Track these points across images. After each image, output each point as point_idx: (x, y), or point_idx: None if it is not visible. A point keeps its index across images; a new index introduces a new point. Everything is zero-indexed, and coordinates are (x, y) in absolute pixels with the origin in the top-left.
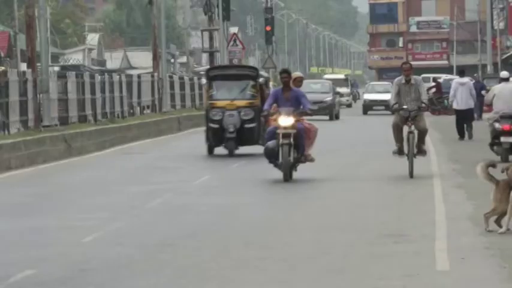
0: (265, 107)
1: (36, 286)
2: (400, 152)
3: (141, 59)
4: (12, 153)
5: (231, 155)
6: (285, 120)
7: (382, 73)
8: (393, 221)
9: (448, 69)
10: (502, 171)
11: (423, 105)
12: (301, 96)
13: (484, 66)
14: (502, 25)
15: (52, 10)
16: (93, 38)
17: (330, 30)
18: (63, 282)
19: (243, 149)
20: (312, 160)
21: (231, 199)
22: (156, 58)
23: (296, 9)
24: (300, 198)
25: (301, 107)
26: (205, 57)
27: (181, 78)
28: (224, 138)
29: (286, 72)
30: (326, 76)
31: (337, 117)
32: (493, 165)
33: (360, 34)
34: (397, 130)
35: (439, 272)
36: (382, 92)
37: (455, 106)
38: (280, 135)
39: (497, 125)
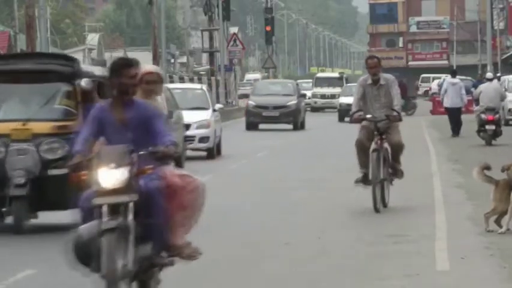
0: (77, 146)
1: (36, 286)
2: (365, 180)
3: (141, 59)
4: None
5: (18, 231)
6: (108, 176)
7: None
8: (393, 221)
9: (448, 70)
10: (503, 171)
11: (395, 113)
12: (153, 118)
13: (484, 66)
14: (502, 25)
15: (52, 10)
16: (93, 38)
17: (330, 30)
18: (63, 282)
19: None
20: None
21: (231, 199)
22: (156, 58)
23: (296, 9)
24: (300, 198)
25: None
26: (205, 57)
27: (181, 78)
28: (5, 198)
29: (126, 66)
30: (318, 75)
31: (302, 126)
32: (488, 168)
33: (360, 34)
34: (362, 149)
35: (439, 272)
36: None
37: (445, 104)
38: (102, 210)
39: (483, 115)
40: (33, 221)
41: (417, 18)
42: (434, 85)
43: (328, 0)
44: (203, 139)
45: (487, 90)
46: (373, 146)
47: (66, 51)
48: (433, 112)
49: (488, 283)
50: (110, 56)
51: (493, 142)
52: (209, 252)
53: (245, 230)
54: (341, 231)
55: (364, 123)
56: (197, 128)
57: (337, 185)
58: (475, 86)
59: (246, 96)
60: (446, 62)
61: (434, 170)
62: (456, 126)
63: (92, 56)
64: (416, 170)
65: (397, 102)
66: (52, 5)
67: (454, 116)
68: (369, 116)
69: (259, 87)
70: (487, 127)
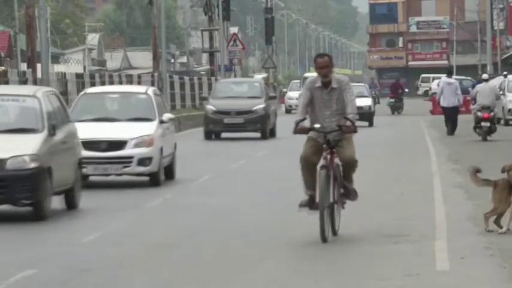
0: None
1: (36, 286)
2: (311, 203)
3: (141, 59)
4: None
5: None
6: None
7: (382, 73)
8: (393, 221)
9: (448, 70)
10: (503, 171)
11: (348, 123)
12: None
13: (484, 66)
14: (502, 25)
15: (52, 10)
16: (93, 38)
17: (330, 30)
18: (63, 282)
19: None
20: None
21: (231, 199)
22: (156, 58)
23: (296, 9)
24: (299, 198)
25: None
26: (205, 57)
27: (181, 78)
28: None
29: None
30: (306, 75)
31: (272, 134)
32: (478, 171)
33: (360, 34)
34: (308, 167)
35: (439, 272)
36: (356, 95)
37: (442, 104)
38: None
39: (479, 113)
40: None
41: (417, 18)
42: (434, 85)
43: (328, 0)
44: (143, 161)
45: (483, 90)
46: (321, 162)
47: (66, 51)
48: (433, 112)
49: (488, 283)
50: (110, 56)
51: (488, 138)
52: (209, 252)
53: (245, 230)
54: (341, 231)
55: (311, 134)
56: (135, 146)
57: None
58: (474, 86)
59: None
60: (446, 62)
61: (434, 170)
62: (452, 125)
63: (92, 56)
64: (416, 170)
65: (352, 109)
66: (52, 5)
67: (450, 115)
68: (317, 125)
69: (219, 88)
70: (483, 124)
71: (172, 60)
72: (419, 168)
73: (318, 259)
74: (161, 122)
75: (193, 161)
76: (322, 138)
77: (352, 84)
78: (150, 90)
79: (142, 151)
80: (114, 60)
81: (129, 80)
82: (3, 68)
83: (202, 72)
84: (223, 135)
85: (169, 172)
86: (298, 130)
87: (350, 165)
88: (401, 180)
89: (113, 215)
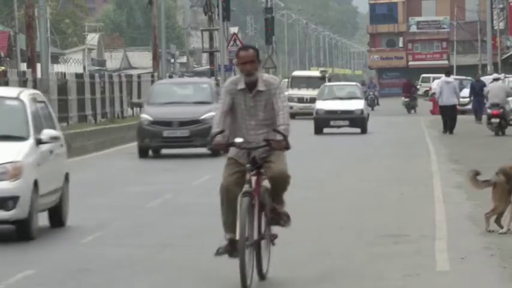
0: None
1: (36, 286)
2: (232, 249)
3: (141, 59)
4: None
5: None
6: None
7: (382, 73)
8: (393, 221)
9: (446, 69)
10: (497, 174)
11: (279, 137)
12: None
13: (484, 66)
14: (502, 25)
15: (52, 10)
16: (93, 38)
17: (330, 30)
18: (63, 282)
19: None
20: None
21: None
22: (156, 58)
23: (296, 9)
24: (299, 198)
25: None
26: (205, 57)
27: (181, 77)
28: None
29: None
30: (295, 74)
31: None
32: (478, 174)
33: (360, 34)
34: (228, 201)
35: (439, 272)
36: (345, 97)
37: (440, 103)
38: None
39: (489, 110)
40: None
41: (417, 18)
42: (434, 85)
43: (328, 0)
44: (3, 202)
45: (493, 88)
46: (245, 187)
47: (66, 51)
48: (433, 112)
49: (488, 283)
50: (110, 56)
51: (500, 134)
52: (209, 252)
53: None
54: (341, 231)
55: (231, 152)
56: None
57: (337, 184)
58: (473, 87)
59: None
60: (446, 62)
61: (434, 170)
62: (450, 124)
63: (91, 56)
64: (416, 170)
65: (284, 119)
66: (52, 5)
67: (448, 113)
68: (238, 140)
69: (158, 91)
70: (493, 120)
71: (172, 60)
72: (419, 168)
73: (318, 259)
74: (38, 142)
75: (193, 161)
76: (245, 156)
77: (342, 83)
78: (25, 95)
79: (2, 187)
80: (114, 60)
81: (129, 80)
82: (3, 68)
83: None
84: (164, 151)
85: (55, 217)
86: (214, 146)
87: (280, 182)
88: (402, 180)
89: (113, 215)
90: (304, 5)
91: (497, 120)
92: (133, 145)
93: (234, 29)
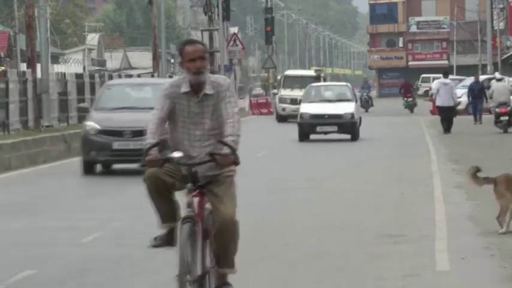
0: None
1: (36, 286)
2: (170, 239)
3: (141, 59)
4: (12, 153)
5: None
6: None
7: (382, 73)
8: (393, 221)
9: (448, 70)
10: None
11: (225, 150)
12: None
13: (484, 66)
14: (502, 25)
15: (52, 10)
16: (93, 38)
17: (330, 30)
18: (63, 282)
19: None
20: None
21: None
22: (156, 58)
23: (296, 9)
24: (299, 198)
25: None
26: None
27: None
28: None
29: None
30: (287, 73)
31: None
32: (478, 170)
33: (360, 34)
34: (155, 188)
35: (439, 272)
36: (333, 100)
37: (438, 103)
38: None
39: (497, 109)
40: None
41: (417, 18)
42: (434, 85)
43: (328, 0)
44: None
45: (497, 88)
46: (186, 211)
47: (66, 51)
48: (433, 112)
49: (488, 283)
50: (110, 56)
51: (509, 131)
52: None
53: (244, 230)
54: (341, 231)
55: (168, 167)
56: None
57: (337, 185)
58: (472, 88)
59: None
60: (446, 62)
61: (434, 170)
62: (447, 124)
63: (91, 56)
64: (416, 170)
65: (233, 129)
66: (52, 5)
67: (445, 114)
68: (177, 154)
69: (108, 94)
70: (502, 118)
71: (172, 60)
72: (419, 168)
73: (318, 259)
74: None
75: None
76: (187, 173)
77: (331, 83)
78: None
79: None
80: (114, 60)
81: None
82: (3, 68)
83: None
84: (116, 166)
85: None
86: (148, 163)
87: (226, 232)
88: (402, 180)
89: (113, 215)
90: (304, 5)
91: (506, 117)
92: None
93: (234, 29)
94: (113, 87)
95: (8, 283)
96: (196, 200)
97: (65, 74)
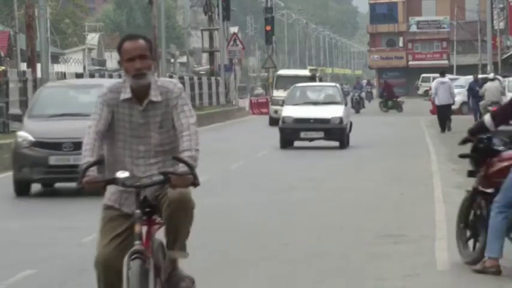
0: None
1: (36, 286)
2: None
3: None
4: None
5: None
6: None
7: (382, 73)
8: (393, 221)
9: (448, 69)
10: None
11: (181, 168)
12: None
13: (484, 66)
14: (502, 25)
15: (52, 10)
16: (93, 38)
17: (330, 30)
18: (63, 282)
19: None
20: None
21: (231, 199)
22: (156, 58)
23: (296, 9)
24: (299, 198)
25: None
26: (205, 57)
27: (181, 78)
28: None
29: None
30: (280, 73)
31: None
32: None
33: (360, 34)
34: (106, 278)
35: (439, 272)
36: (320, 102)
37: (436, 102)
38: None
39: (489, 108)
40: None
41: (417, 18)
42: (433, 85)
43: (328, 0)
44: None
45: (490, 88)
46: (135, 244)
47: (66, 51)
48: (433, 112)
49: (488, 283)
50: (110, 56)
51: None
52: (208, 252)
53: (244, 230)
54: (341, 231)
55: (109, 196)
56: None
57: (337, 184)
58: (471, 88)
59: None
60: (446, 61)
61: (434, 170)
62: (445, 122)
63: (91, 56)
64: (416, 170)
65: (189, 143)
66: (52, 5)
67: (444, 113)
68: (121, 174)
69: (43, 98)
70: None
71: (172, 60)
72: (419, 168)
73: (318, 259)
74: None
75: None
76: (132, 199)
77: (318, 84)
78: None
79: None
80: (114, 60)
81: None
82: (3, 67)
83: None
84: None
85: None
86: (86, 184)
87: (180, 208)
88: (402, 180)
89: None
90: (304, 5)
91: None
92: None
93: (234, 29)
94: (51, 90)
95: (8, 283)
96: (144, 230)
97: (65, 73)
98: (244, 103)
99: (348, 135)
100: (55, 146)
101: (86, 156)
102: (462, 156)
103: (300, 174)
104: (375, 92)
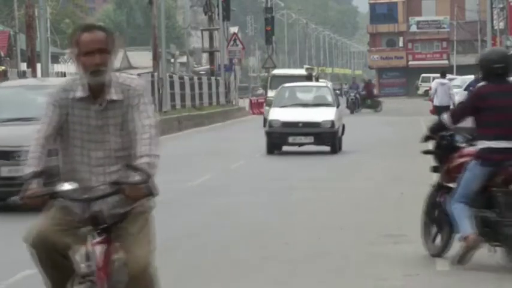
0: None
1: (36, 286)
2: None
3: (141, 59)
4: None
5: None
6: None
7: (382, 73)
8: (393, 221)
9: (448, 69)
10: None
11: (137, 177)
12: None
13: None
14: (502, 25)
15: (52, 10)
16: None
17: (330, 30)
18: None
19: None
20: None
21: (231, 199)
22: (156, 58)
23: (296, 9)
24: (299, 198)
25: None
26: (205, 57)
27: (181, 78)
28: None
29: None
30: (275, 72)
31: None
32: None
33: (360, 34)
34: (44, 254)
35: (439, 272)
36: (309, 104)
37: (435, 103)
38: None
39: None
40: None
41: (417, 18)
42: (433, 85)
43: (328, 0)
44: None
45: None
46: (82, 268)
47: (66, 51)
48: (432, 112)
49: (488, 283)
50: None
51: None
52: (209, 252)
53: (245, 230)
54: (341, 231)
55: (54, 209)
56: None
57: (337, 184)
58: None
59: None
60: (446, 61)
61: None
62: None
63: None
64: (416, 170)
65: (149, 147)
66: (52, 5)
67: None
68: (68, 186)
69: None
70: None
71: (172, 60)
72: (419, 168)
73: (318, 259)
74: None
75: (193, 160)
76: (83, 212)
77: (308, 84)
78: None
79: None
80: (114, 60)
81: None
82: (3, 67)
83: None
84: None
85: None
86: (26, 199)
87: (137, 285)
88: (401, 180)
89: None
90: (304, 5)
91: None
92: None
93: (234, 29)
94: (5, 91)
95: (8, 283)
96: (99, 249)
97: (65, 73)
98: (244, 103)
99: (340, 138)
100: (7, 155)
101: (30, 166)
102: (426, 152)
103: (300, 174)
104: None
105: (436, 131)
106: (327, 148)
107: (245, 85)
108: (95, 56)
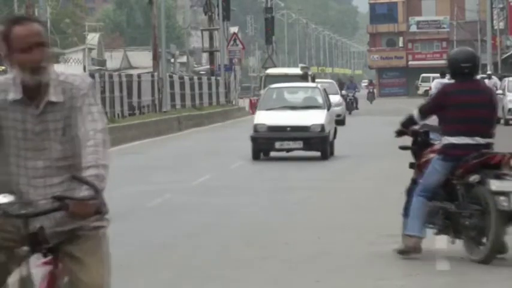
0: None
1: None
2: None
3: (141, 59)
4: None
5: None
6: None
7: (382, 73)
8: (393, 221)
9: (441, 70)
10: None
11: (85, 191)
12: None
13: (484, 66)
14: (502, 25)
15: (52, 10)
16: (93, 38)
17: (330, 30)
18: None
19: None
20: None
21: (231, 199)
22: (156, 58)
23: (296, 9)
24: (299, 198)
25: None
26: (205, 57)
27: (181, 78)
28: None
29: None
30: (269, 72)
31: None
32: None
33: (360, 34)
34: None
35: (439, 272)
36: (298, 107)
37: None
38: None
39: None
40: None
41: (417, 18)
42: (433, 85)
43: (328, 0)
44: None
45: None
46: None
47: (66, 51)
48: None
49: (488, 283)
50: (110, 56)
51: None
52: (209, 252)
53: (245, 230)
54: (341, 231)
55: None
56: None
57: (337, 184)
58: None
59: None
60: (446, 61)
61: None
62: None
63: (92, 56)
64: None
65: (97, 156)
66: (52, 5)
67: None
68: (3, 199)
69: None
70: None
71: (172, 60)
72: None
73: (318, 259)
74: None
75: (193, 160)
76: (21, 229)
77: (296, 84)
78: None
79: None
80: (114, 60)
81: (129, 80)
82: (3, 67)
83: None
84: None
85: None
86: None
87: None
88: (402, 180)
89: (113, 215)
90: (304, 5)
91: None
92: (133, 145)
93: (234, 29)
94: None
95: (8, 283)
96: (43, 271)
97: None
98: (244, 103)
99: (332, 143)
100: None
101: None
102: (402, 148)
103: (299, 174)
104: (375, 92)
105: (407, 125)
106: (317, 153)
107: (247, 85)
108: (33, 52)
